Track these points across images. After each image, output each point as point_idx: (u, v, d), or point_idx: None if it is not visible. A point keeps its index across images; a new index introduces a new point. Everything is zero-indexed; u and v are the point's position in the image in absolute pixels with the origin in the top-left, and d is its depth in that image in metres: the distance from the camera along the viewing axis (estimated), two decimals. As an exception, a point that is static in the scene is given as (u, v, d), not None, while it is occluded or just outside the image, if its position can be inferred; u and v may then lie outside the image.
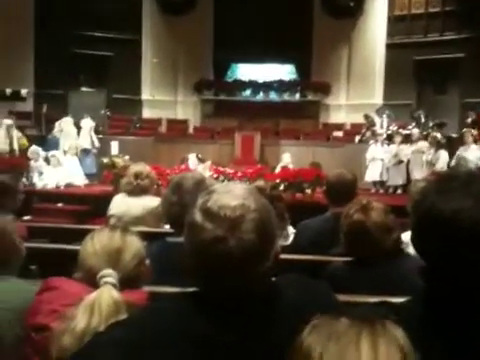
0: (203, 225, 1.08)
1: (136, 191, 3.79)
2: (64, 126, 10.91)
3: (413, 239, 1.19)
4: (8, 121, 10.72)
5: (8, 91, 13.07)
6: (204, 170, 9.50)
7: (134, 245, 1.57)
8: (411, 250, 2.53)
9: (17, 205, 3.47)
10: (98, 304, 1.32)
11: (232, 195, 1.12)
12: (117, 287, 1.40)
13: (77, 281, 1.51)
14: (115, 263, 1.49)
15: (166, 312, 1.11)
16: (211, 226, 1.07)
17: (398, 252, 2.15)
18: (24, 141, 10.48)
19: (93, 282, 1.44)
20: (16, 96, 13.16)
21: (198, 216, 1.10)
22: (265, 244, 1.10)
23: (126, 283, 1.46)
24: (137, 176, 3.82)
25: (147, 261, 1.61)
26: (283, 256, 2.53)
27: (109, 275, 1.42)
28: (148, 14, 15.29)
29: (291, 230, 3.27)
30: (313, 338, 0.86)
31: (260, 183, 3.37)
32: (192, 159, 10.09)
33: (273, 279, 1.20)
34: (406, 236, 2.64)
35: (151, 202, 3.73)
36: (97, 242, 1.54)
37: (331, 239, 2.60)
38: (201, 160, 10.02)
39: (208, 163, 9.92)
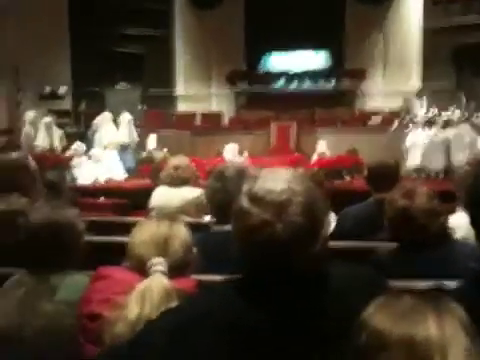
0: (250, 210, 1.08)
1: (176, 182, 3.82)
2: (103, 122, 11.10)
3: (473, 224, 1.16)
4: (47, 119, 10.99)
5: (47, 90, 13.40)
6: (241, 161, 9.52)
7: (182, 233, 1.59)
8: (458, 235, 2.49)
9: (68, 201, 3.55)
10: (149, 292, 1.35)
11: (278, 180, 1.12)
12: (167, 275, 1.43)
13: (127, 270, 1.54)
14: (164, 251, 1.51)
15: (217, 298, 1.12)
16: (258, 211, 1.07)
17: (445, 236, 2.10)
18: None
19: (143, 271, 1.47)
20: (54, 95, 13.49)
21: (245, 201, 1.10)
22: (313, 227, 1.09)
23: (175, 271, 1.48)
24: (177, 168, 3.85)
25: (194, 249, 1.63)
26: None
27: (159, 263, 1.45)
28: (179, 9, 15.37)
29: (333, 217, 3.24)
30: (380, 317, 0.88)
31: (300, 171, 3.35)
32: (228, 151, 10.12)
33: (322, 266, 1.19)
34: (452, 220, 2.58)
35: (192, 193, 3.75)
36: (145, 231, 1.57)
37: (374, 225, 2.57)
38: (239, 152, 10.04)
39: (245, 155, 9.95)
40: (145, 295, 1.35)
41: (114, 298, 1.41)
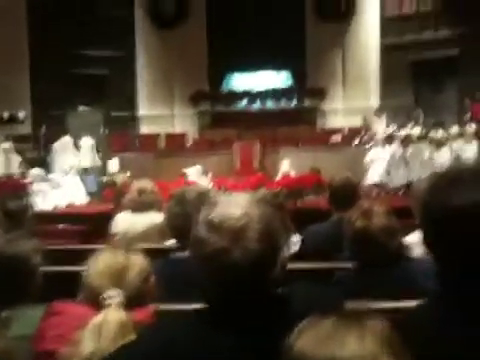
0: (207, 238, 1.08)
1: (140, 207, 3.77)
2: (63, 146, 10.91)
3: (425, 240, 1.16)
4: (6, 145, 10.75)
5: (5, 115, 13.12)
6: (205, 183, 9.50)
7: (138, 263, 1.55)
8: (416, 252, 2.53)
9: (30, 229, 3.44)
10: (105, 326, 1.31)
11: (235, 205, 1.12)
12: (123, 307, 1.39)
13: (82, 303, 1.49)
14: (120, 282, 1.48)
15: (179, 327, 1.11)
16: (215, 238, 1.07)
17: (404, 255, 2.13)
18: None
19: (98, 303, 1.42)
20: (14, 119, 13.22)
21: (202, 229, 1.10)
22: (271, 252, 1.10)
23: (132, 302, 1.45)
24: (141, 192, 3.80)
25: (152, 278, 1.59)
26: (290, 265, 2.52)
27: (114, 295, 1.41)
28: (141, 29, 15.36)
29: (296, 238, 3.25)
30: (302, 341, 0.89)
31: (261, 193, 3.35)
32: (192, 173, 10.09)
33: (282, 289, 1.19)
34: (411, 238, 2.62)
35: (156, 218, 3.70)
36: (101, 262, 1.53)
37: (337, 244, 2.59)
38: (203, 173, 10.03)
39: (209, 176, 9.94)
40: (100, 329, 1.31)
41: (69, 334, 1.36)
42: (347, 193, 3.03)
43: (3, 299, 1.76)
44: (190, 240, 1.14)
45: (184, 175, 10.24)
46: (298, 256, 2.91)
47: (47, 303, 1.73)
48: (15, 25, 13.37)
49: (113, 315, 1.34)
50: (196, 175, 9.98)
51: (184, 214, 2.12)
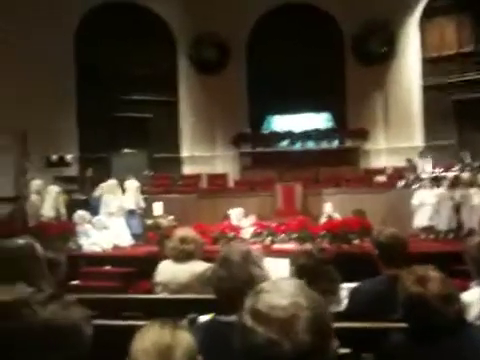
0: (254, 328, 1.04)
1: (182, 256, 3.78)
2: (109, 188, 11.12)
3: None
4: (55, 188, 11.05)
5: (54, 158, 13.59)
6: (247, 225, 9.46)
7: (185, 341, 1.51)
8: (472, 312, 2.40)
9: (62, 278, 3.48)
10: None
11: (282, 293, 1.08)
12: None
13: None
14: None
15: None
16: (262, 329, 1.03)
17: (461, 322, 2.00)
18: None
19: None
20: (62, 162, 13.68)
21: (248, 319, 1.06)
22: (321, 343, 1.05)
23: None
24: (182, 241, 3.81)
25: (200, 357, 1.54)
26: (337, 324, 2.42)
27: None
28: (184, 75, 15.80)
29: (344, 293, 3.14)
30: None
31: (307, 247, 3.29)
32: (234, 214, 10.09)
33: None
34: (465, 297, 2.48)
35: (198, 267, 3.70)
36: (147, 339, 1.49)
37: (387, 303, 2.49)
38: (245, 215, 10.01)
39: (252, 217, 9.90)
40: None
41: None
42: (396, 250, 2.92)
43: None
44: (236, 329, 1.10)
45: (225, 216, 10.25)
46: (344, 316, 2.80)
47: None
48: (64, 72, 13.99)
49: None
50: (238, 217, 9.96)
51: (230, 277, 2.11)
